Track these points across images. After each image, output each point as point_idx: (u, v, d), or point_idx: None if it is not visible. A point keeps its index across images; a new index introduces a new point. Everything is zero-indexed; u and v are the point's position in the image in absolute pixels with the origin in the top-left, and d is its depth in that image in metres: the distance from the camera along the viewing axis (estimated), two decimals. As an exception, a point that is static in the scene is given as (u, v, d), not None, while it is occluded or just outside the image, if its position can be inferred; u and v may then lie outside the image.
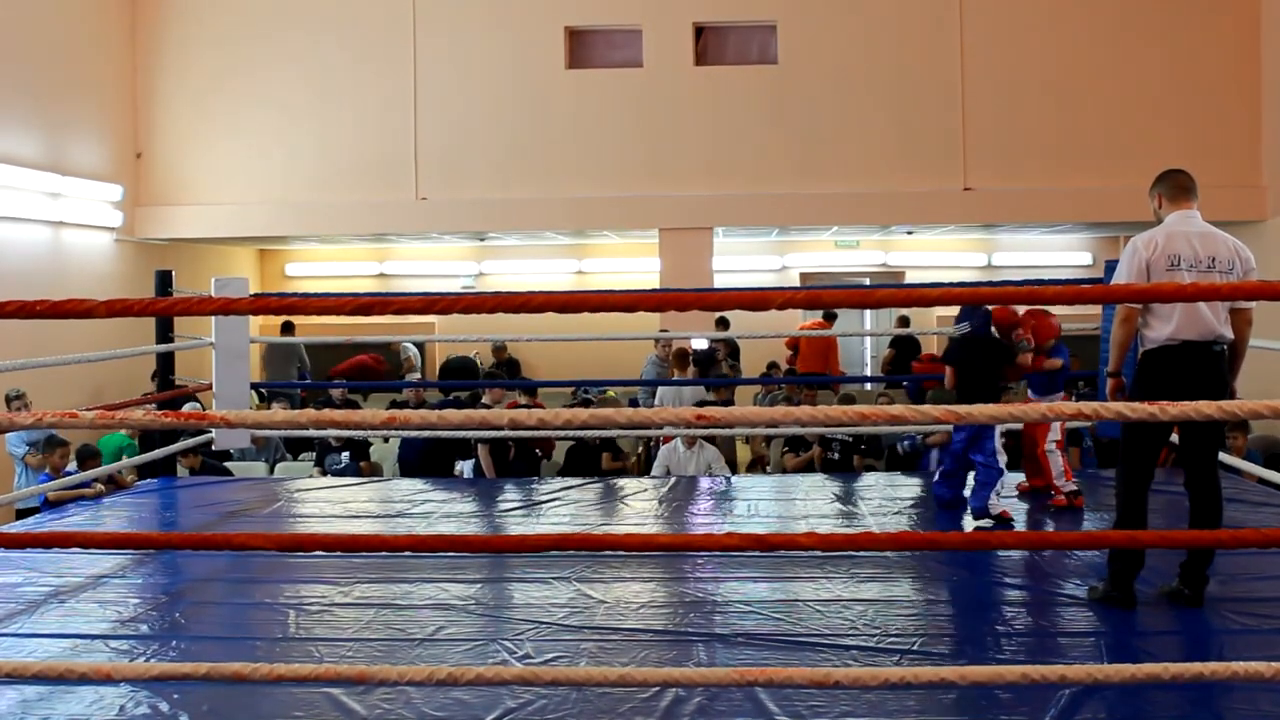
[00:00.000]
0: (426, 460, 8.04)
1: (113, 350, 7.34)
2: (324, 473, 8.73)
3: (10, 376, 7.13)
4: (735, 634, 3.95)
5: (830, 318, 12.70)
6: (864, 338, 15.31)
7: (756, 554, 4.80)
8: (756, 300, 2.54)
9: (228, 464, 8.61)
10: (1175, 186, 4.27)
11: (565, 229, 12.83)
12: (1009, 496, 6.09)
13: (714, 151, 11.71)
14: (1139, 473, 4.27)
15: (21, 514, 7.35)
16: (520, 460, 8.01)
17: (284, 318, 12.86)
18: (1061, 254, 15.13)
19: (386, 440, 9.32)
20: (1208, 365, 4.07)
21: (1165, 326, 4.07)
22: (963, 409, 2.48)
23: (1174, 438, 4.74)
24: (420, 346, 14.44)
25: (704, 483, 7.00)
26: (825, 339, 11.96)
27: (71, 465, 7.25)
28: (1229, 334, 4.11)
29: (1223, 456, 6.18)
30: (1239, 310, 4.14)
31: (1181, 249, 4.09)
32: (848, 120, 11.62)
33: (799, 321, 13.52)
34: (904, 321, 13.42)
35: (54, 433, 7.12)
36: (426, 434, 7.82)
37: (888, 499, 6.29)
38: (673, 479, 7.20)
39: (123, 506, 6.48)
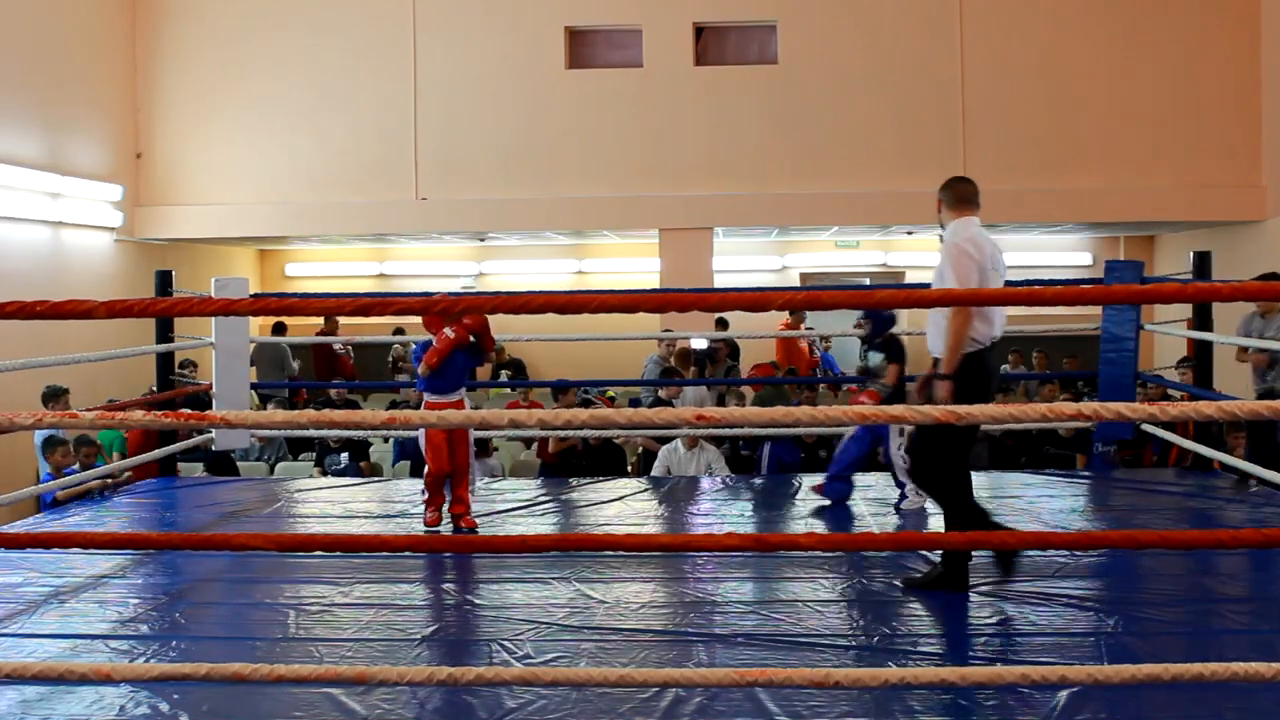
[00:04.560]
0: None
1: (113, 350, 7.34)
2: (324, 473, 8.73)
3: (11, 376, 7.12)
4: (735, 634, 3.95)
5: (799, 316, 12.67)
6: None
7: (756, 554, 4.82)
8: (756, 301, 2.54)
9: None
10: (962, 196, 4.51)
11: (565, 229, 12.82)
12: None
13: (714, 151, 11.70)
14: (962, 469, 4.44)
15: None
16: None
17: (276, 318, 12.81)
18: (1061, 254, 15.13)
19: (386, 440, 9.31)
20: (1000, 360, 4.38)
21: (990, 328, 4.36)
22: (962, 409, 2.48)
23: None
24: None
25: (704, 483, 7.00)
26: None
27: (77, 464, 7.24)
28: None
29: (1223, 457, 6.21)
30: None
31: (992, 252, 4.40)
32: (847, 120, 11.61)
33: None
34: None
35: (57, 432, 7.12)
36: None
37: (888, 499, 6.28)
38: (673, 479, 7.21)
39: (123, 506, 6.48)
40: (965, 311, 4.24)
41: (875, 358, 6.09)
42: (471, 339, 5.59)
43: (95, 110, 11.55)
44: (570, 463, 8.21)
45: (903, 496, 6.02)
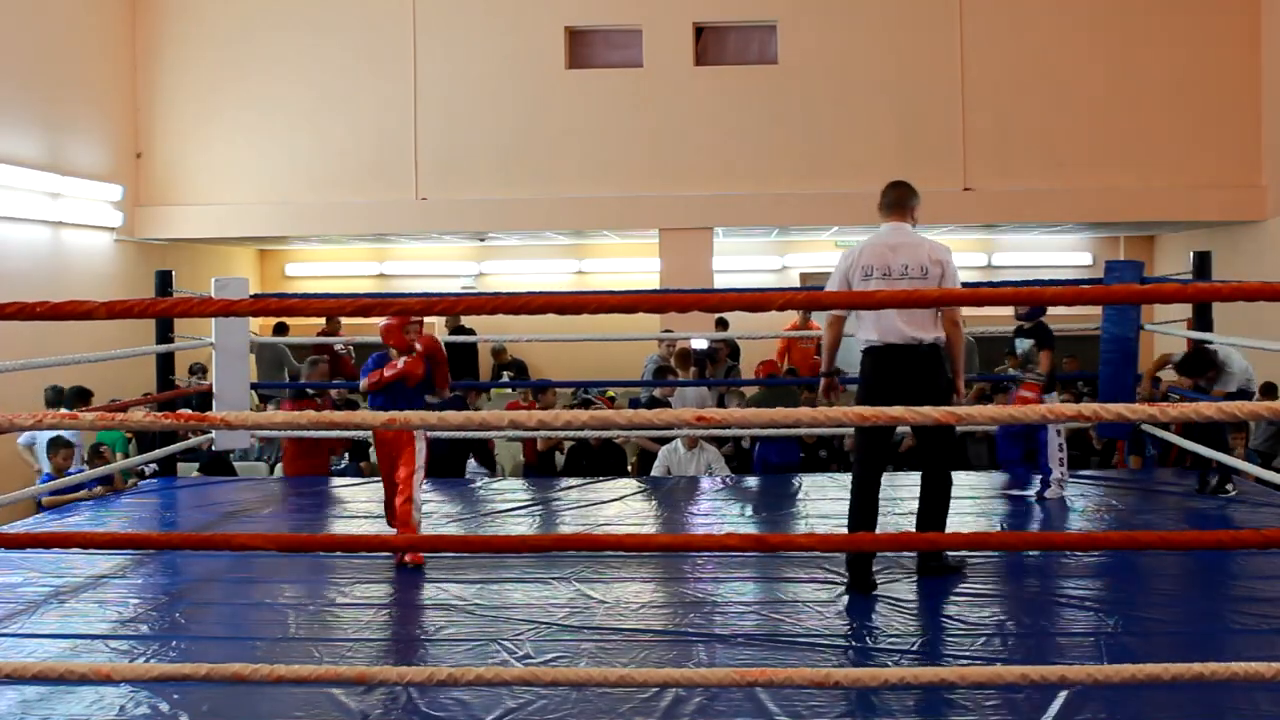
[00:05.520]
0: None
1: (113, 350, 7.34)
2: (324, 473, 8.72)
3: (11, 376, 7.12)
4: (735, 634, 3.96)
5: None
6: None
7: (756, 554, 4.82)
8: (756, 301, 2.54)
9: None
10: (883, 203, 4.68)
11: (565, 229, 12.82)
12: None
13: (714, 151, 11.70)
14: (873, 468, 4.60)
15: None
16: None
17: (278, 319, 12.78)
18: (1061, 254, 15.12)
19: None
20: (914, 364, 4.46)
21: (865, 332, 4.54)
22: (961, 410, 2.47)
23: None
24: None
25: (704, 483, 7.00)
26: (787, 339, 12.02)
27: (78, 464, 7.25)
28: (929, 336, 4.47)
29: (1222, 457, 6.21)
30: (944, 313, 4.51)
31: (873, 261, 4.52)
32: (848, 120, 11.61)
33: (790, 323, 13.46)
34: None
35: (59, 434, 7.12)
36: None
37: (887, 499, 6.28)
38: (673, 479, 7.21)
39: (123, 506, 6.48)
40: (829, 315, 4.80)
41: (1024, 344, 6.19)
42: (424, 373, 5.20)
43: (95, 110, 11.54)
44: (552, 463, 8.22)
45: (1045, 485, 6.15)
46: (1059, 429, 6.08)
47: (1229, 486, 6.18)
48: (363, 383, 5.19)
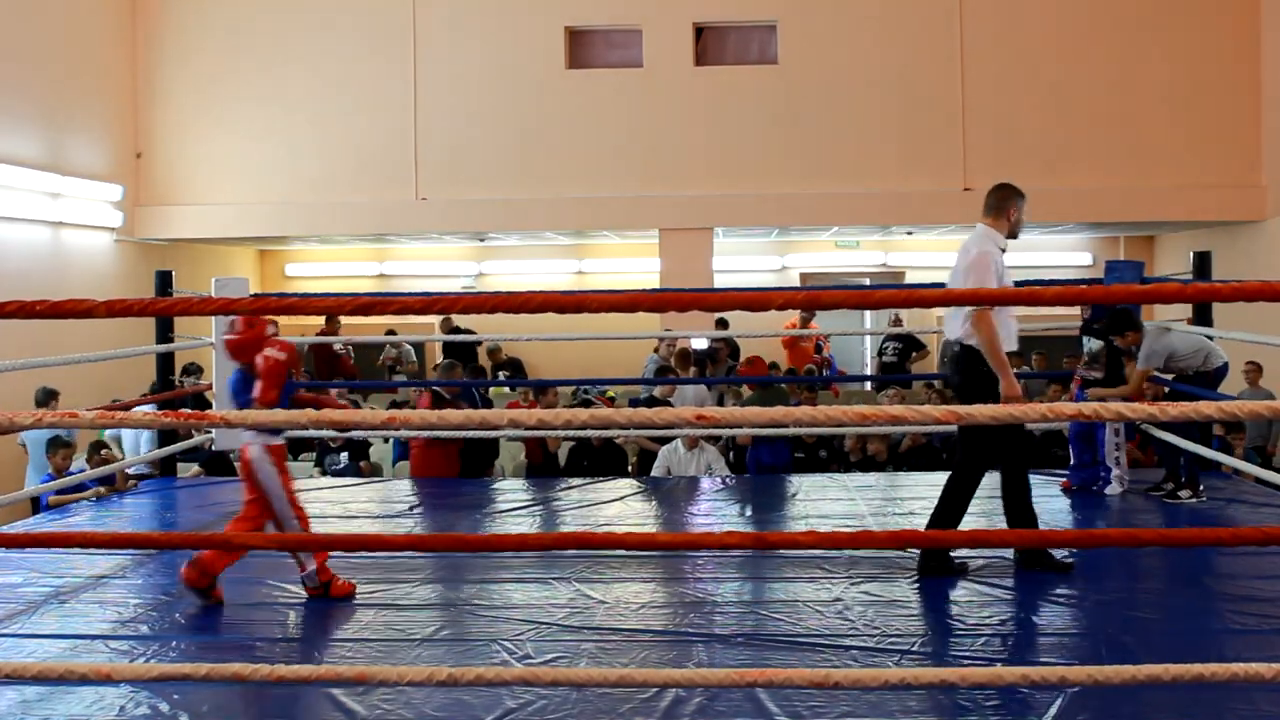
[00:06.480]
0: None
1: (113, 350, 7.34)
2: (324, 473, 8.72)
3: (11, 376, 7.13)
4: (735, 634, 3.96)
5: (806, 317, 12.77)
6: (864, 337, 15.30)
7: (756, 554, 4.82)
8: (756, 301, 2.53)
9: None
10: (983, 205, 4.86)
11: (565, 229, 12.82)
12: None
13: (714, 151, 11.70)
14: (968, 467, 4.83)
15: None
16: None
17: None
18: (1061, 254, 15.13)
19: (387, 440, 9.30)
20: (951, 361, 4.81)
21: None
22: (962, 409, 2.47)
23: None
24: (418, 347, 14.42)
25: (704, 483, 7.00)
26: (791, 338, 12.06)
27: (78, 464, 7.24)
28: (953, 334, 4.70)
29: (1221, 458, 6.20)
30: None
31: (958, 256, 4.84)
32: (848, 120, 11.61)
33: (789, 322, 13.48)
34: (898, 321, 13.40)
35: (59, 433, 7.12)
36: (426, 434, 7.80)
37: (888, 499, 6.28)
38: (673, 479, 7.20)
39: (123, 506, 6.48)
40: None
41: (1092, 344, 6.26)
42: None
43: (95, 110, 11.54)
44: (554, 463, 8.19)
45: (1105, 481, 6.27)
46: (1117, 428, 6.17)
47: (1181, 494, 6.07)
48: (267, 397, 4.28)
